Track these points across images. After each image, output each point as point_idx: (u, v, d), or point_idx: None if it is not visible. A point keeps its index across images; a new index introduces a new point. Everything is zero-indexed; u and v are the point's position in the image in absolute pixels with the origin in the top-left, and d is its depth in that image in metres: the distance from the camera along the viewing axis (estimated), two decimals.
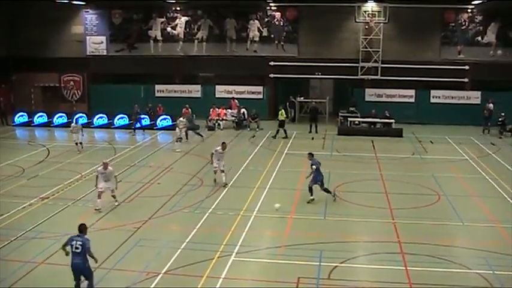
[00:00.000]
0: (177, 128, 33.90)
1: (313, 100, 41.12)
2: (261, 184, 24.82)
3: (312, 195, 22.38)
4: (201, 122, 39.44)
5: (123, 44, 44.75)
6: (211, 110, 40.03)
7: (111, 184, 21.88)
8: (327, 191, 22.61)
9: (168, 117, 39.93)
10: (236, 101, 41.24)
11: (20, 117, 42.17)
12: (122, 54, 44.69)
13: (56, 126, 40.69)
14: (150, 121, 40.00)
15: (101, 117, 41.20)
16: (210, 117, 39.90)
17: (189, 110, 39.88)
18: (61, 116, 41.79)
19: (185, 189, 24.53)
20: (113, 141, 35.81)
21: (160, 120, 39.99)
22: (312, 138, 35.50)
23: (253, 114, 39.13)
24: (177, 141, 33.38)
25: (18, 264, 16.65)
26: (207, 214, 21.11)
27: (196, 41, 43.56)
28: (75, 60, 44.81)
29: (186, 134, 34.58)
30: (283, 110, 36.66)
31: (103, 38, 44.90)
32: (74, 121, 33.58)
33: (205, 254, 17.21)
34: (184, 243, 18.18)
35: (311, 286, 15.17)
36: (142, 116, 39.17)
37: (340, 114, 40.06)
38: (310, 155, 23.20)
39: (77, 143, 31.61)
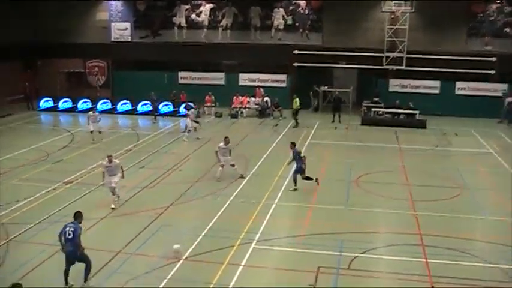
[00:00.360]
0: (188, 119, 32.93)
1: (337, 90, 40.93)
2: (283, 173, 24.80)
3: (295, 185, 22.60)
4: (223, 110, 39.52)
5: (148, 30, 44.87)
6: (234, 98, 40.05)
7: (118, 178, 20.94)
8: (308, 178, 22.69)
9: (192, 104, 39.96)
10: (262, 89, 41.21)
11: (45, 103, 42.61)
12: (146, 41, 44.84)
13: (80, 111, 41.01)
14: (174, 108, 40.10)
15: (125, 104, 41.47)
16: (233, 105, 39.92)
17: (212, 97, 40.04)
18: (85, 102, 42.12)
19: (207, 177, 24.63)
20: (136, 127, 36.02)
21: (184, 108, 40.06)
22: (335, 128, 35.38)
23: (276, 103, 39.07)
24: (188, 131, 32.42)
25: (41, 247, 16.90)
26: (229, 202, 21.20)
27: (220, 29, 43.55)
28: (99, 47, 45.06)
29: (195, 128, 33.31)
30: (297, 99, 36.67)
31: (127, 25, 45.06)
32: (92, 111, 32.66)
33: (226, 241, 17.31)
34: (206, 230, 18.30)
35: (331, 275, 15.19)
36: (160, 104, 39.29)
37: (363, 104, 39.83)
38: (293, 144, 23.48)
39: (92, 131, 30.80)
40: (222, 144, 24.27)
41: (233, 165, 24.44)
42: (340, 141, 31.76)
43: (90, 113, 31.90)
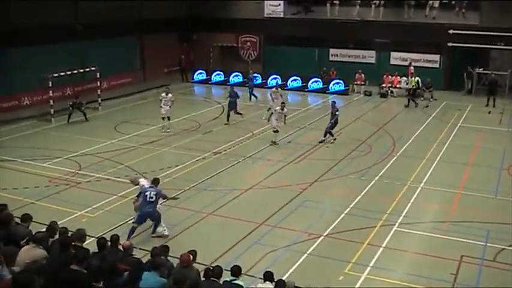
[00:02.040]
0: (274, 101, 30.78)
1: (493, 72, 38.96)
2: (431, 156, 24.22)
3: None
4: (373, 88, 39.05)
5: (300, 6, 45.03)
6: (384, 76, 39.40)
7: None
8: (329, 133, 26.36)
9: (341, 81, 39.87)
10: (412, 67, 40.14)
11: (199, 75, 44.24)
12: (298, 17, 45.01)
13: (232, 85, 42.11)
14: (323, 85, 40.18)
15: (275, 78, 42.04)
16: (383, 84, 39.30)
17: (362, 75, 39.65)
18: (237, 75, 43.22)
19: (353, 155, 24.60)
20: (286, 102, 36.37)
21: (333, 84, 40.06)
22: (489, 112, 33.76)
23: (427, 83, 37.94)
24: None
25: (188, 213, 17.79)
26: (373, 181, 21.08)
27: (373, 6, 42.75)
28: (252, 22, 45.85)
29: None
30: (417, 78, 36.23)
31: (280, 1, 45.49)
32: (165, 93, 28.29)
33: (367, 221, 17.28)
34: (348, 209, 18.36)
35: (474, 266, 14.74)
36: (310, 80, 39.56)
37: None
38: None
39: (164, 118, 27.79)
40: (278, 108, 26.61)
41: (276, 132, 26.12)
42: (493, 126, 30.32)
43: (163, 94, 28.54)
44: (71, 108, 30.38)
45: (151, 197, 15.69)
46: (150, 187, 15.92)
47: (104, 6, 37.83)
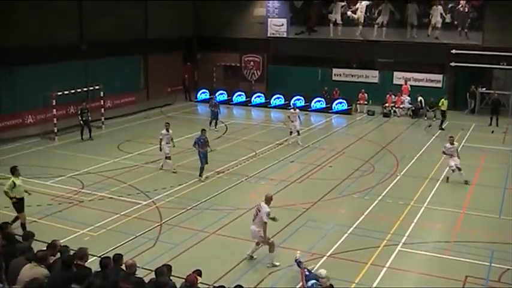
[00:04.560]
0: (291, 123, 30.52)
1: (496, 92, 38.97)
2: (434, 175, 24.17)
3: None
4: (376, 107, 39.08)
5: (303, 26, 45.24)
6: (387, 96, 39.44)
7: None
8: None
9: (344, 101, 39.93)
10: (408, 85, 40.17)
11: (202, 94, 44.31)
12: (302, 37, 45.20)
13: (235, 104, 42.24)
14: (326, 104, 40.22)
15: (278, 98, 42.10)
16: (386, 104, 39.32)
17: (365, 95, 39.73)
18: (240, 95, 43.29)
19: (356, 174, 24.55)
20: (288, 122, 36.36)
21: (336, 104, 40.10)
22: (492, 132, 33.77)
23: (430, 103, 37.97)
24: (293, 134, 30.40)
25: (191, 232, 17.73)
26: (377, 201, 21.02)
27: (376, 26, 42.95)
28: (256, 42, 46.11)
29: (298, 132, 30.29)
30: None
31: (284, 21, 45.68)
32: (165, 130, 25.21)
33: (371, 241, 17.20)
34: (351, 228, 18.28)
35: (479, 286, 14.62)
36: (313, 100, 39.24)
37: None
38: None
39: (167, 157, 24.96)
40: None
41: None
42: (497, 145, 30.29)
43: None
44: (81, 122, 30.49)
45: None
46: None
47: (108, 25, 38.09)
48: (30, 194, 18.03)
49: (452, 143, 23.64)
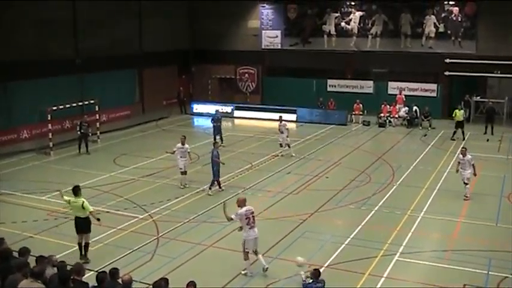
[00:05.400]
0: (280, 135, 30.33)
1: (490, 100, 39.08)
2: (431, 184, 24.20)
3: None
4: (371, 118, 39.13)
5: (298, 38, 45.38)
6: (382, 106, 39.51)
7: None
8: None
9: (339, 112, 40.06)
10: (403, 95, 40.28)
11: (198, 106, 44.34)
12: (296, 48, 45.34)
13: (231, 117, 42.26)
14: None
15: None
16: (381, 114, 39.38)
17: (360, 105, 39.81)
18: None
19: (352, 185, 24.56)
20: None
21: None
22: (487, 140, 33.86)
23: (425, 112, 38.05)
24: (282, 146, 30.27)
25: (188, 245, 17.69)
26: (373, 211, 21.02)
27: (370, 36, 43.10)
28: (250, 54, 46.24)
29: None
30: (462, 111, 35.06)
31: (278, 32, 45.82)
32: (180, 143, 24.40)
33: (368, 251, 17.19)
34: (348, 239, 18.27)
35: None
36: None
37: None
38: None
39: (182, 173, 24.42)
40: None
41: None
42: (492, 154, 30.35)
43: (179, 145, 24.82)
44: (79, 133, 30.63)
45: None
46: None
47: (103, 39, 38.16)
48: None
49: (464, 155, 22.51)
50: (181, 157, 23.97)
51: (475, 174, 22.42)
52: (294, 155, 29.69)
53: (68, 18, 36.11)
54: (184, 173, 24.16)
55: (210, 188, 23.36)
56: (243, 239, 15.64)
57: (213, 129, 32.23)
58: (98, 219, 16.46)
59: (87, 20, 36.98)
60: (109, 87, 38.52)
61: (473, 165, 22.31)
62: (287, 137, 29.93)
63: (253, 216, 15.73)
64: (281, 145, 29.99)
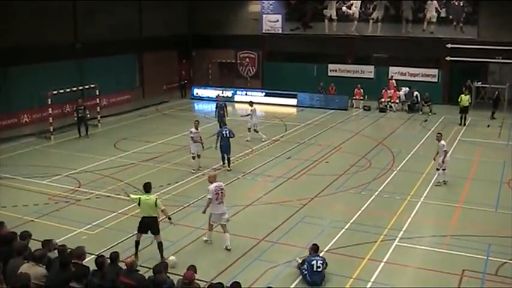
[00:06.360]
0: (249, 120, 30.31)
1: (492, 86, 38.91)
2: (431, 170, 24.16)
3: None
4: (372, 103, 39.08)
5: (298, 22, 45.20)
6: (383, 91, 39.44)
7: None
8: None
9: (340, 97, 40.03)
10: (394, 80, 40.10)
11: (198, 91, 44.33)
12: (297, 33, 45.15)
13: (231, 101, 42.20)
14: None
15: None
16: (381, 99, 39.32)
17: (361, 90, 39.73)
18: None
19: (353, 170, 24.57)
20: (284, 118, 36.44)
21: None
22: (488, 126, 33.83)
23: (426, 98, 37.98)
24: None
25: (188, 230, 17.74)
26: (373, 196, 21.05)
27: (371, 21, 42.91)
28: (251, 38, 46.07)
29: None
30: (468, 96, 35.01)
31: (279, 17, 45.62)
32: (194, 128, 24.71)
33: (368, 236, 17.24)
34: (348, 224, 18.31)
35: (476, 280, 14.68)
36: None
37: None
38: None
39: (194, 157, 24.50)
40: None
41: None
42: (493, 140, 30.36)
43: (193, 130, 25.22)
44: (76, 118, 30.71)
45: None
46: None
47: (103, 24, 38.06)
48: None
49: (439, 140, 22.52)
50: (194, 141, 24.16)
51: (442, 162, 22.19)
52: (264, 137, 29.76)
53: (68, 3, 35.95)
54: (196, 157, 24.23)
55: (228, 165, 24.33)
56: (210, 213, 16.48)
57: (217, 117, 31.52)
58: (169, 218, 16.02)
59: (87, 5, 36.80)
60: (109, 72, 38.36)
61: (445, 151, 22.25)
62: (256, 122, 30.11)
63: (222, 192, 16.38)
64: (249, 130, 29.91)
